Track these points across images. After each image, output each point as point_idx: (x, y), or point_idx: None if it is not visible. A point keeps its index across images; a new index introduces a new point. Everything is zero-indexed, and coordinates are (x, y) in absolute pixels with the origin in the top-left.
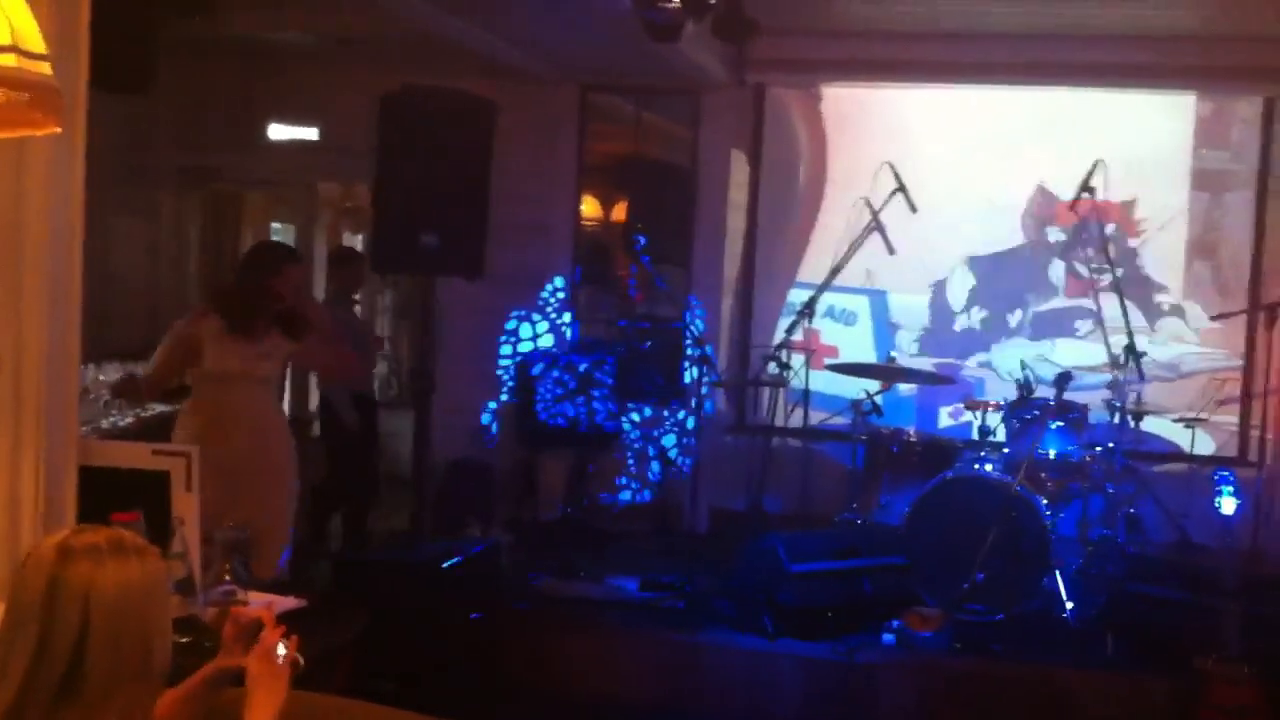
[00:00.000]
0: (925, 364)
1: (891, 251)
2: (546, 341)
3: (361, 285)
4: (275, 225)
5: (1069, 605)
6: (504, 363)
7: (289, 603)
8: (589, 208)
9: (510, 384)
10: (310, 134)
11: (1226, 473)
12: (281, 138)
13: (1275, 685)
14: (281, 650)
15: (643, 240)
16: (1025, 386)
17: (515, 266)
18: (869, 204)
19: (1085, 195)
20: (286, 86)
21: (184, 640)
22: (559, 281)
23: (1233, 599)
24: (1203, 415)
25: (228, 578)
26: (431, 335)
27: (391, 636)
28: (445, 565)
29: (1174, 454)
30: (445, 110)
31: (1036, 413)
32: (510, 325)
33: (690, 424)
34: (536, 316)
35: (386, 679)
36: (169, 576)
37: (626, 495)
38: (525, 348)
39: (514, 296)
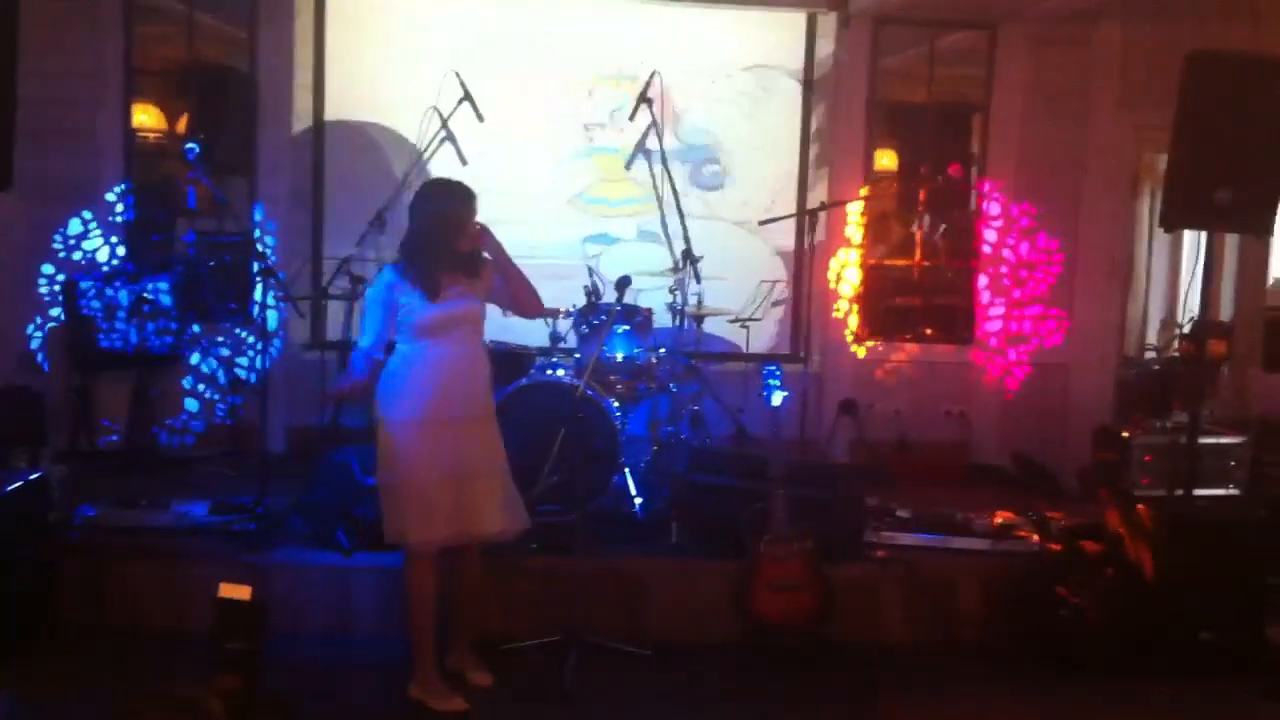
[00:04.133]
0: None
1: (464, 162)
2: (99, 259)
3: None
4: None
5: (638, 500)
6: (48, 284)
7: None
8: (149, 117)
9: (58, 305)
10: None
11: (774, 367)
12: None
13: (819, 560)
14: None
15: (197, 149)
16: (593, 292)
17: (58, 178)
18: (439, 112)
19: (643, 105)
20: None
21: None
22: (111, 195)
23: (782, 484)
24: (756, 316)
25: None
26: None
27: None
28: None
29: (732, 354)
30: None
31: (604, 317)
32: (56, 242)
33: (259, 342)
34: (87, 230)
35: None
36: None
37: (196, 419)
38: (75, 266)
39: (58, 210)
